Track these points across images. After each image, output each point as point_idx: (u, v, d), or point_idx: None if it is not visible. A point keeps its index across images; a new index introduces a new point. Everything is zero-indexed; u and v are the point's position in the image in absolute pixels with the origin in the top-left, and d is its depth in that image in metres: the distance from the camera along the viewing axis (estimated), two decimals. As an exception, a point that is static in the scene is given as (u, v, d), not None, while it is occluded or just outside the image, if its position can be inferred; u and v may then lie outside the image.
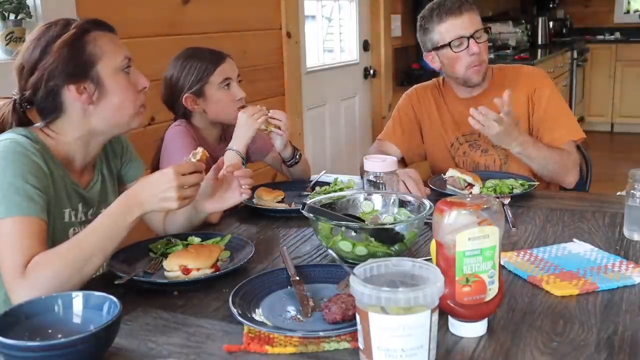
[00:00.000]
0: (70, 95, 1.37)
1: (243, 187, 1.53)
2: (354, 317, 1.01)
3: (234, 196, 1.54)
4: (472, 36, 2.02)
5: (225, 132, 2.07)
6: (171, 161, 1.84)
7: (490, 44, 5.57)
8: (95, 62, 1.37)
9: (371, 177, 1.61)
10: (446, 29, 2.04)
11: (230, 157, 1.85)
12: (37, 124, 1.43)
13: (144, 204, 1.29)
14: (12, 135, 1.34)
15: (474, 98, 2.15)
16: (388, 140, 2.27)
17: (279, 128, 1.94)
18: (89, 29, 1.38)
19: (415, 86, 2.32)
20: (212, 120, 1.98)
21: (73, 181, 1.44)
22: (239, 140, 1.88)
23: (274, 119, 1.95)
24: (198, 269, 1.34)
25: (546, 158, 1.98)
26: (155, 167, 1.99)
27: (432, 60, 2.13)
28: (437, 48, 2.08)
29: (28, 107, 1.42)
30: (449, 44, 2.04)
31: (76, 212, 1.44)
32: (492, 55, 5.31)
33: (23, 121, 1.43)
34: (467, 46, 2.02)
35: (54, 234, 1.34)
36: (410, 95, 2.29)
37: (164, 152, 1.94)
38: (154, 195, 1.29)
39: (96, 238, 1.27)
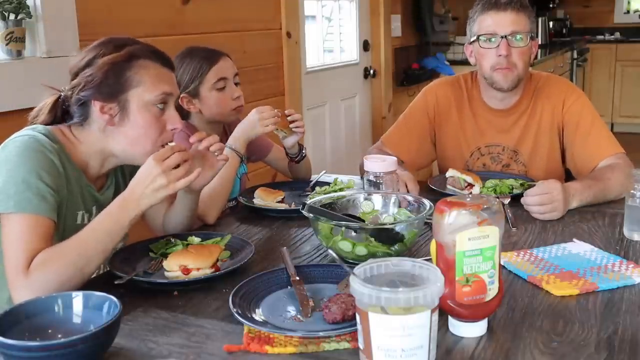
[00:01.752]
0: (96, 110, 1.38)
1: (216, 154, 1.51)
2: (354, 317, 1.01)
3: (212, 166, 1.52)
4: (506, 36, 1.91)
5: (228, 130, 2.07)
6: None
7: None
8: (129, 89, 1.38)
9: (371, 177, 1.61)
10: (484, 21, 1.94)
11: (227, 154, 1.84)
12: (61, 125, 1.43)
13: (140, 200, 1.29)
14: (31, 132, 1.35)
15: (507, 111, 2.05)
16: (391, 149, 2.11)
17: (299, 127, 1.94)
18: (139, 56, 1.39)
19: (435, 83, 2.18)
20: (208, 118, 1.97)
21: (88, 184, 1.44)
22: (240, 138, 1.86)
23: (292, 122, 1.94)
24: (198, 269, 1.34)
25: (602, 190, 1.78)
26: None
27: (470, 54, 2.04)
28: (472, 41, 1.99)
29: (66, 107, 1.43)
30: (482, 36, 1.94)
31: (90, 214, 1.44)
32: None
33: (55, 121, 1.44)
34: (498, 45, 1.92)
35: (64, 235, 1.33)
36: (427, 96, 2.14)
37: None
38: (145, 189, 1.29)
39: (97, 238, 1.27)
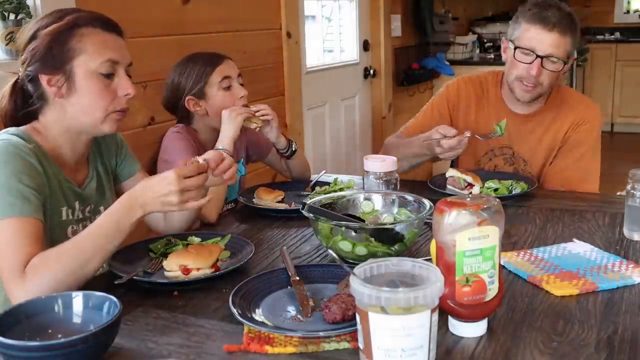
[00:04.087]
0: (44, 84, 1.37)
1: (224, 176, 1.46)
2: (354, 317, 1.01)
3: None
4: (543, 57, 1.89)
5: None
6: (169, 165, 1.85)
7: (490, 43, 5.57)
8: (73, 58, 1.36)
9: (371, 177, 1.61)
10: (528, 32, 1.91)
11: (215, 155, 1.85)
12: (31, 124, 1.42)
13: (146, 205, 1.28)
14: (5, 136, 1.34)
15: (526, 117, 2.05)
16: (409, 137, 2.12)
17: (267, 115, 1.93)
18: (80, 24, 1.37)
19: (459, 78, 2.19)
20: (213, 124, 1.98)
21: (67, 179, 1.43)
22: (224, 137, 1.87)
23: (258, 111, 1.94)
24: (198, 269, 1.34)
25: None
26: (151, 170, 1.98)
27: (504, 49, 2.02)
28: (512, 40, 1.97)
29: (25, 90, 1.41)
30: (519, 47, 1.93)
31: (73, 210, 1.44)
32: (491, 55, 5.31)
33: (19, 108, 1.42)
34: (531, 62, 1.91)
35: (52, 233, 1.34)
36: (450, 89, 2.17)
37: (162, 155, 1.94)
38: (155, 198, 1.28)
39: (96, 239, 1.26)
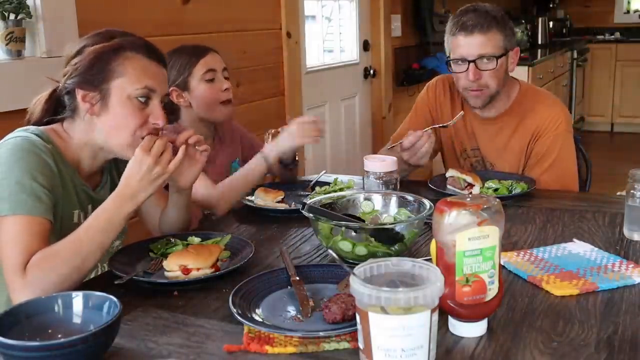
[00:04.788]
0: (79, 98, 1.38)
1: (197, 148, 1.48)
2: (354, 317, 1.01)
3: (197, 160, 1.51)
4: (474, 60, 1.91)
5: (218, 132, 2.08)
6: None
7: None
8: (111, 79, 1.37)
9: (371, 177, 1.61)
10: (454, 44, 1.95)
11: (257, 161, 1.85)
12: (54, 125, 1.44)
13: (136, 193, 1.30)
14: (24, 133, 1.35)
15: (492, 120, 2.07)
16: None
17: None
18: (126, 47, 1.39)
19: (437, 79, 2.22)
20: (198, 114, 1.98)
21: (82, 182, 1.44)
22: (274, 149, 1.84)
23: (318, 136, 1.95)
24: (198, 269, 1.34)
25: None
26: None
27: (450, 70, 2.04)
28: (448, 57, 2.00)
29: (61, 99, 1.43)
30: (452, 59, 1.96)
31: (85, 213, 1.44)
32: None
33: (49, 115, 1.45)
34: (467, 70, 1.93)
35: (62, 235, 1.34)
36: (428, 89, 2.20)
37: None
38: (141, 180, 1.30)
39: (93, 234, 1.28)
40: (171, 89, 1.93)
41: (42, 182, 1.30)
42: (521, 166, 2.07)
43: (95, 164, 1.48)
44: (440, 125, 2.00)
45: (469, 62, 1.92)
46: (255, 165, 1.87)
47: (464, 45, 1.92)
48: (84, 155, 1.45)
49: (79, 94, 1.38)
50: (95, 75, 1.37)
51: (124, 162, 1.57)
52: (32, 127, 1.39)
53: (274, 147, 1.87)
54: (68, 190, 1.39)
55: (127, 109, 1.38)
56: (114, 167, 1.57)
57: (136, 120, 1.39)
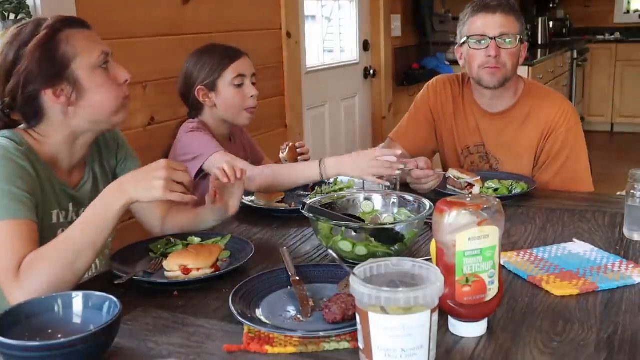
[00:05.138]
0: (49, 99, 1.35)
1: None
2: (354, 317, 1.01)
3: (236, 195, 1.53)
4: (495, 38, 1.94)
5: (232, 131, 2.08)
6: (195, 147, 1.85)
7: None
8: (70, 62, 1.35)
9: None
10: (474, 23, 1.98)
11: (312, 171, 1.77)
12: (22, 126, 1.41)
13: (129, 191, 1.27)
14: None
15: (499, 115, 2.07)
16: (398, 142, 2.16)
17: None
18: (60, 28, 1.36)
19: (437, 78, 2.24)
20: (221, 116, 1.99)
21: (60, 181, 1.42)
22: (337, 169, 1.74)
23: (301, 154, 2.01)
24: (198, 269, 1.34)
25: None
26: None
27: (460, 56, 2.06)
28: (462, 43, 2.01)
29: (10, 112, 1.39)
30: (471, 36, 1.97)
31: (66, 212, 1.43)
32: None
33: (9, 125, 1.40)
34: (487, 47, 1.95)
35: (41, 236, 1.32)
36: (429, 90, 2.21)
37: (177, 144, 1.94)
38: (140, 182, 1.28)
39: (84, 231, 1.26)
40: (198, 87, 1.94)
41: (21, 186, 1.28)
42: (530, 163, 2.06)
43: (76, 156, 1.45)
44: (449, 186, 1.90)
45: (491, 39, 1.95)
46: (309, 173, 1.77)
47: (486, 23, 1.96)
48: (61, 154, 1.42)
49: (47, 94, 1.34)
50: (52, 68, 1.34)
51: (109, 155, 1.56)
52: (4, 131, 1.36)
53: (336, 168, 1.74)
54: (46, 190, 1.37)
55: (99, 79, 1.37)
56: (97, 162, 1.54)
57: (112, 86, 1.39)
